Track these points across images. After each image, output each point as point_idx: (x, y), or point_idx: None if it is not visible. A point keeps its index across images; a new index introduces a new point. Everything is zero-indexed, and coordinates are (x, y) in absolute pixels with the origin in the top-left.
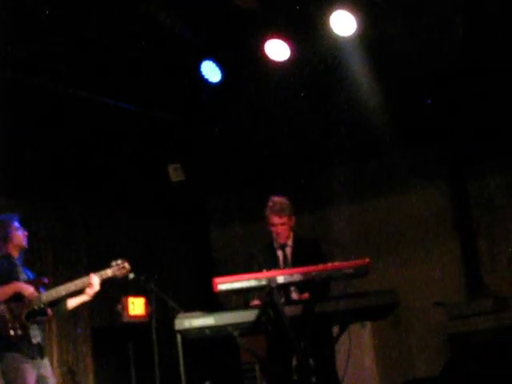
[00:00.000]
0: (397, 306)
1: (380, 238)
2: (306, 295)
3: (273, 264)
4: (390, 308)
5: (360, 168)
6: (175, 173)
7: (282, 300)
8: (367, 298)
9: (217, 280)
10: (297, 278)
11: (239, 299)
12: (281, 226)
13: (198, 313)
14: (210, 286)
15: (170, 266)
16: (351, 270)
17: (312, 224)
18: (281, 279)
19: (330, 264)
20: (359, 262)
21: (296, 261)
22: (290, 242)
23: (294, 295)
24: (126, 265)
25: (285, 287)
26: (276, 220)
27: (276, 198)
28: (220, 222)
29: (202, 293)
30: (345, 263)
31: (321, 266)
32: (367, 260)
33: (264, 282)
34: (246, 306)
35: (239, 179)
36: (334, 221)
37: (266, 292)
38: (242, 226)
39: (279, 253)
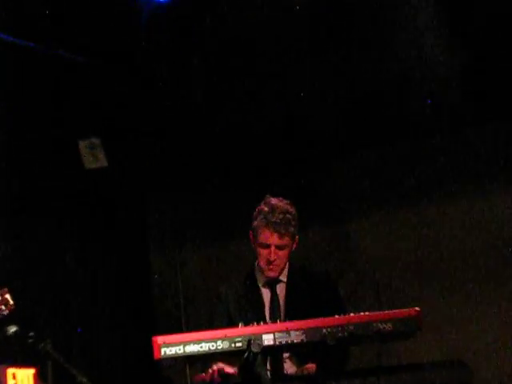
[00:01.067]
0: None
1: (434, 269)
2: (310, 367)
3: (253, 311)
4: None
5: (399, 157)
6: (91, 154)
7: (268, 374)
8: (420, 374)
9: (159, 340)
10: (296, 337)
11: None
12: (278, 251)
13: None
14: (148, 348)
15: (82, 312)
16: (390, 326)
17: (321, 246)
18: (269, 339)
19: (352, 315)
20: (404, 312)
21: (293, 307)
22: (284, 277)
23: (289, 366)
24: (8, 297)
25: (275, 353)
26: (273, 239)
27: (276, 201)
28: (166, 240)
29: (135, 360)
30: (379, 314)
31: (338, 319)
32: (417, 310)
33: (240, 344)
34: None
35: (198, 172)
36: (357, 241)
37: (244, 361)
38: (203, 247)
39: (265, 292)
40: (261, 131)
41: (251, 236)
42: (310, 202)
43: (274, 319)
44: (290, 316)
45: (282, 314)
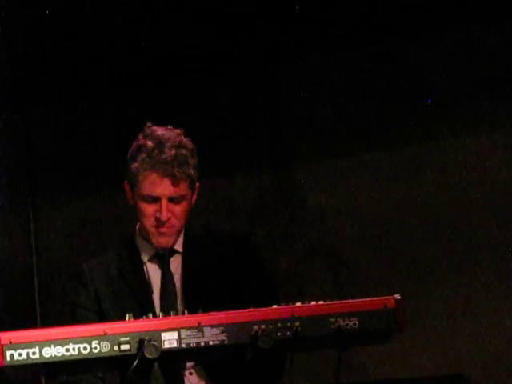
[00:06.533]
0: None
1: (425, 239)
2: None
3: (135, 300)
4: None
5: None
6: None
7: None
8: None
9: (2, 338)
10: (213, 336)
11: None
12: (172, 206)
13: None
14: None
15: None
16: (356, 323)
17: (251, 199)
18: (170, 340)
19: (299, 305)
20: (376, 302)
21: (196, 292)
22: (179, 245)
23: (195, 381)
24: None
25: (178, 361)
26: (164, 188)
27: (163, 131)
28: (11, 179)
29: None
30: (339, 304)
31: (277, 310)
32: (396, 298)
33: (126, 346)
34: None
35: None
36: (307, 194)
37: (131, 373)
38: (70, 196)
39: (152, 270)
40: None
41: (127, 187)
42: (234, 134)
43: (167, 310)
44: (192, 306)
45: (179, 303)
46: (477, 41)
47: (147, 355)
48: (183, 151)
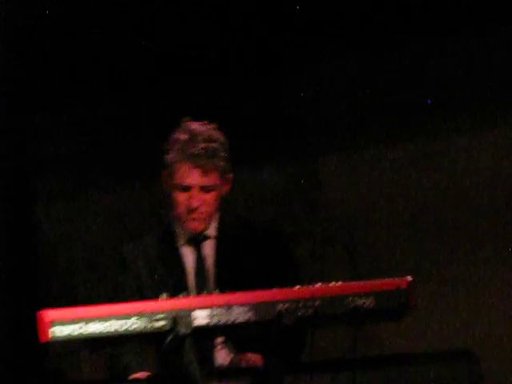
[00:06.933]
0: None
1: (435, 224)
2: (253, 358)
3: (171, 280)
4: None
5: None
6: None
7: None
8: (412, 368)
9: (48, 315)
10: (240, 314)
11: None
12: (202, 195)
13: None
14: (31, 326)
15: None
16: (372, 302)
17: (275, 190)
18: (202, 317)
19: (319, 286)
20: (391, 283)
21: (227, 274)
22: (212, 230)
23: (226, 355)
24: None
25: (209, 337)
26: (195, 178)
27: (197, 126)
28: (54, 172)
29: (13, 343)
30: (356, 285)
31: (300, 290)
32: (409, 280)
33: (162, 323)
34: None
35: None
36: (327, 184)
37: (166, 347)
38: (110, 183)
39: (186, 254)
40: None
41: (164, 177)
42: (259, 129)
43: (200, 290)
44: (223, 286)
45: (211, 283)
46: (477, 41)
47: (180, 331)
48: (213, 144)
